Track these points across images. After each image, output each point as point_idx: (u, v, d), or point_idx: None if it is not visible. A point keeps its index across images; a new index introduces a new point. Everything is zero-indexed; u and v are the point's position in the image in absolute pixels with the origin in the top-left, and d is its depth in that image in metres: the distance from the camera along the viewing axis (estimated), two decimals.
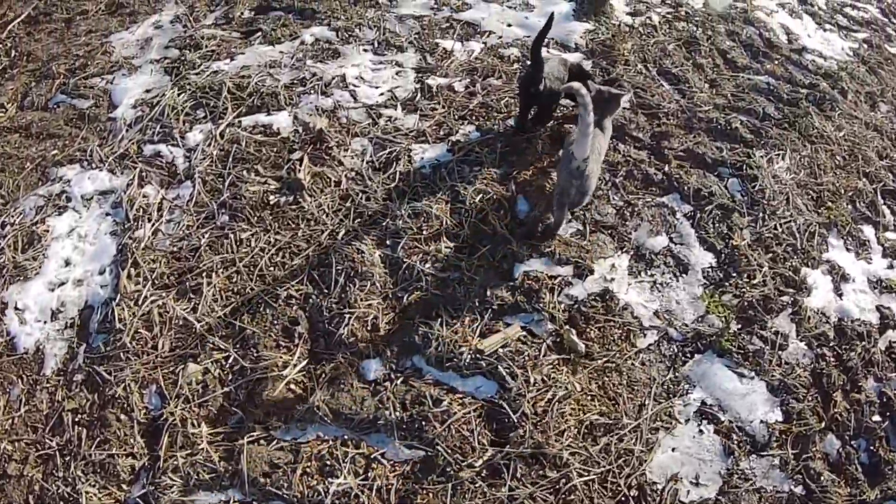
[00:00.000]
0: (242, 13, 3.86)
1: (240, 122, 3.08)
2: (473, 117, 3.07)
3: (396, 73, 3.31)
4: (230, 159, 2.90)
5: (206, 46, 3.57)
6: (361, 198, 2.71)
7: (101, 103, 3.36)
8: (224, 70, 3.39)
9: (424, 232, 2.58)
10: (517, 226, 2.64)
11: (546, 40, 3.52)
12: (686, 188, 2.86)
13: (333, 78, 3.28)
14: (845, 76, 3.69)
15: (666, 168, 2.93)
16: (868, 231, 2.94)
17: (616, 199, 2.80)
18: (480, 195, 2.71)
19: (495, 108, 3.13)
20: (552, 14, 2.73)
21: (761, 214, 2.83)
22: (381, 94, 3.19)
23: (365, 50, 3.45)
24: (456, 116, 3.07)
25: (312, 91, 3.22)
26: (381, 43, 3.49)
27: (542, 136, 2.96)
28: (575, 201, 2.48)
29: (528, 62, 2.87)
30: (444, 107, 3.13)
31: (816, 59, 3.80)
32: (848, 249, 2.87)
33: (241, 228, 2.67)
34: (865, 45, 4.09)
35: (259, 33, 3.66)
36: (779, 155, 3.10)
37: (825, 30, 4.14)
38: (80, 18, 4.06)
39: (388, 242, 2.57)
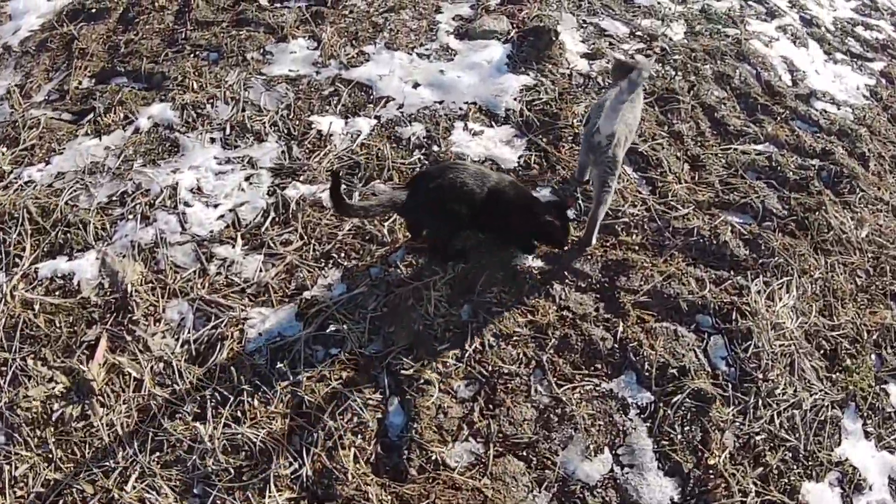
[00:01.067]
0: (81, 82, 2.90)
1: (36, 271, 2.28)
2: (342, 254, 2.13)
3: (246, 179, 2.36)
4: (17, 336, 2.07)
5: (26, 140, 2.66)
6: (164, 413, 1.86)
7: None
8: (34, 181, 2.51)
9: (245, 475, 1.77)
10: (385, 454, 1.84)
11: (464, 107, 2.46)
12: (647, 364, 1.92)
13: (163, 190, 2.33)
14: (864, 133, 2.63)
15: (620, 327, 1.96)
16: (895, 393, 2.00)
17: (540, 391, 1.86)
18: (333, 403, 1.85)
19: (375, 236, 2.19)
20: (336, 175, 1.80)
21: (753, 399, 1.88)
22: (221, 215, 2.24)
23: (212, 139, 2.48)
24: (317, 254, 2.14)
25: (132, 215, 2.29)
26: (234, 127, 2.52)
27: (439, 286, 2.08)
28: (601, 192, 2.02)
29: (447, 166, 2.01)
30: (302, 237, 2.19)
31: (828, 107, 2.73)
32: (867, 434, 1.92)
33: (19, 457, 1.84)
34: (884, 80, 3.00)
35: (92, 114, 2.78)
36: (783, 285, 2.11)
37: (836, 61, 3.03)
38: None
39: (195, 491, 1.79)
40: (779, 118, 2.63)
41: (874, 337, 2.09)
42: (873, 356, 2.06)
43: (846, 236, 2.28)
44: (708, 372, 1.91)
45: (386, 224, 2.15)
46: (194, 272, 2.12)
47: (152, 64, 2.85)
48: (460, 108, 2.53)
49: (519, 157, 2.36)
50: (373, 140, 2.42)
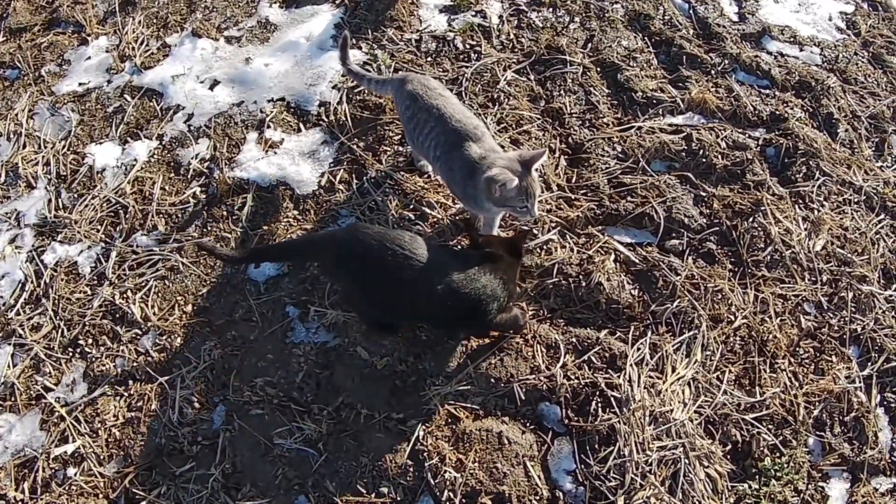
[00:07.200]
0: None
1: None
2: (90, 339, 1.50)
3: (11, 242, 1.84)
4: None
5: None
6: None
7: None
8: None
9: None
10: None
11: (267, 108, 1.70)
12: (447, 490, 1.20)
13: None
14: (834, 85, 1.62)
15: (418, 432, 1.25)
16: (838, 494, 1.21)
17: None
18: None
19: (126, 315, 1.52)
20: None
21: None
22: None
23: None
24: (65, 342, 1.51)
25: None
26: (9, 172, 2.00)
27: (188, 381, 1.40)
28: None
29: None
30: (52, 318, 1.55)
31: (786, 48, 1.71)
32: None
33: None
34: (866, 5, 1.86)
35: None
36: (680, 346, 1.28)
37: None
38: None
39: None
40: (713, 72, 1.65)
41: (815, 413, 1.28)
42: (811, 441, 1.30)
43: (792, 252, 1.40)
44: (542, 496, 1.28)
45: (137, 300, 1.59)
46: None
47: None
48: (261, 111, 1.80)
49: (320, 176, 1.65)
50: (149, 171, 1.77)
